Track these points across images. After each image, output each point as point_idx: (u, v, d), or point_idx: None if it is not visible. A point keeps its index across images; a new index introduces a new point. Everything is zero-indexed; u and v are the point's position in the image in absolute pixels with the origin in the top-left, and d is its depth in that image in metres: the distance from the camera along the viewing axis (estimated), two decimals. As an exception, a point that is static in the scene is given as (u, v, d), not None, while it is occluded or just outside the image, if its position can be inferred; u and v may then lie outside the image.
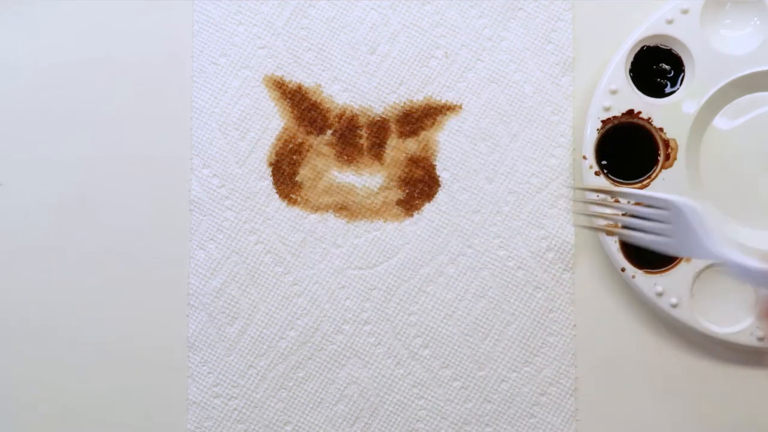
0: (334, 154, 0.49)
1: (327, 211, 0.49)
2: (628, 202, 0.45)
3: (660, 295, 0.47)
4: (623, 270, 0.48)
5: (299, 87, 0.50)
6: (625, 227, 0.43)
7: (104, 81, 0.50)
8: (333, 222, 0.49)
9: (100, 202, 0.49)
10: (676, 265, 0.47)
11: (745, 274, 0.36)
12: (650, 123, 0.48)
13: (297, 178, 0.49)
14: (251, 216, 0.49)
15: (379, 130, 0.50)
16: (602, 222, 0.46)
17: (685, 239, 0.39)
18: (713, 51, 0.48)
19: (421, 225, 0.49)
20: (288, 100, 0.50)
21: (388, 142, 0.49)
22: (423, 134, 0.50)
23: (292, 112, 0.50)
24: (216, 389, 0.49)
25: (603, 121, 0.48)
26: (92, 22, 0.50)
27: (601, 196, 0.46)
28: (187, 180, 0.49)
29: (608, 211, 0.46)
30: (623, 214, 0.44)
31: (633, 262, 0.48)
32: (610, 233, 0.46)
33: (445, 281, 0.49)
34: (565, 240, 0.49)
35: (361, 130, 0.50)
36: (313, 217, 0.49)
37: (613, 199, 0.46)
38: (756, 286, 0.35)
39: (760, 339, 0.47)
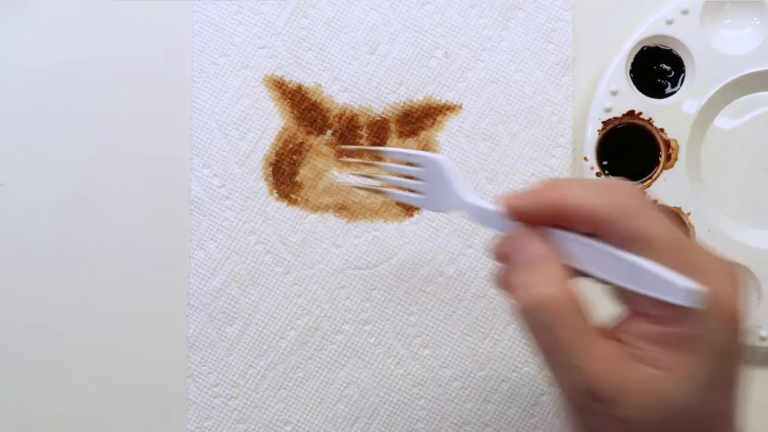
0: (334, 154, 0.49)
1: (327, 211, 0.49)
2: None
3: (661, 295, 0.47)
4: (624, 270, 0.48)
5: (299, 87, 0.50)
6: (391, 187, 0.44)
7: (104, 81, 0.50)
8: (333, 222, 0.49)
9: (100, 202, 0.49)
10: (677, 265, 0.47)
11: (484, 217, 0.38)
12: (651, 124, 0.48)
13: (297, 178, 0.49)
14: (251, 216, 0.49)
15: (379, 130, 0.49)
16: (373, 183, 0.46)
17: (439, 193, 0.41)
18: (713, 51, 0.48)
19: (421, 225, 0.49)
20: (288, 100, 0.50)
21: (388, 142, 0.49)
22: (423, 134, 0.50)
23: (292, 112, 0.50)
24: (216, 389, 0.49)
25: (604, 122, 0.48)
26: (92, 22, 0.50)
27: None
28: (187, 180, 0.49)
29: (372, 172, 0.47)
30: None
31: (634, 262, 0.48)
32: (378, 192, 0.46)
33: (445, 281, 0.49)
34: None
35: (361, 130, 0.50)
36: (313, 217, 0.49)
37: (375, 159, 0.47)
38: (492, 228, 0.38)
39: (763, 339, 0.47)
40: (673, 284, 0.31)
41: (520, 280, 0.34)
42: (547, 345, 0.33)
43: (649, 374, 0.32)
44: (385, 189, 0.44)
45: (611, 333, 0.34)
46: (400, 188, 0.43)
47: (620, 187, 0.34)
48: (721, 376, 0.33)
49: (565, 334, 0.32)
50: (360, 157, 0.48)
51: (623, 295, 0.34)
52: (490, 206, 0.38)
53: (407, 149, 0.46)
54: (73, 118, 0.50)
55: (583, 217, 0.33)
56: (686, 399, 0.32)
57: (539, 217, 0.35)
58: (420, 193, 0.42)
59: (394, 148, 0.47)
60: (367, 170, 0.47)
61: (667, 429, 0.32)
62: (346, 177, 0.49)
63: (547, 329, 0.33)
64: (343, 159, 0.49)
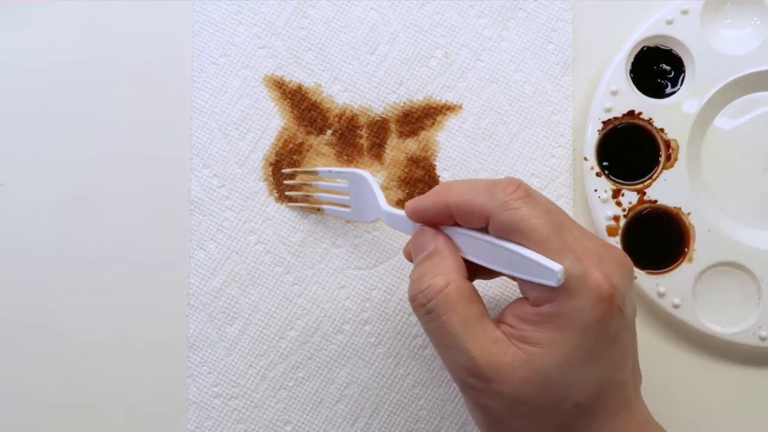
0: (334, 154, 0.49)
1: (327, 211, 0.49)
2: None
3: (662, 295, 0.47)
4: (624, 270, 0.47)
5: (299, 87, 0.50)
6: (325, 204, 0.48)
7: (104, 81, 0.50)
8: (333, 222, 0.49)
9: (100, 202, 0.49)
10: (678, 265, 0.47)
11: (397, 222, 0.42)
12: (651, 124, 0.48)
13: (297, 178, 0.49)
14: (251, 216, 0.49)
15: (379, 130, 0.49)
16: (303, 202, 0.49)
17: (364, 204, 0.45)
18: (713, 51, 0.48)
19: (422, 225, 0.49)
20: (288, 100, 0.50)
21: (388, 142, 0.49)
22: (423, 134, 0.50)
23: (292, 112, 0.50)
24: (216, 389, 0.48)
25: (604, 122, 0.48)
26: (92, 22, 0.50)
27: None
28: (187, 180, 0.49)
29: (303, 191, 0.49)
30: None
31: (635, 262, 0.47)
32: (314, 210, 0.49)
33: (445, 281, 0.49)
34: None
35: (361, 130, 0.49)
36: (313, 217, 0.49)
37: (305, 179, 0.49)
38: (405, 232, 0.42)
39: (763, 339, 0.47)
40: (541, 266, 0.34)
41: (413, 273, 0.38)
42: (435, 330, 0.37)
43: (525, 351, 0.35)
44: (321, 206, 0.48)
45: (502, 317, 0.37)
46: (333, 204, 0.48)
47: (499, 183, 0.37)
48: (595, 352, 0.35)
49: (449, 320, 0.36)
50: (297, 178, 0.49)
51: (517, 282, 0.37)
52: (400, 212, 0.41)
53: (336, 167, 0.49)
54: (73, 118, 0.50)
55: (467, 213, 0.37)
56: (558, 372, 0.35)
57: (435, 217, 0.39)
58: (348, 206, 0.47)
59: (323, 167, 0.48)
60: (305, 189, 0.49)
61: (546, 402, 0.35)
62: (288, 203, 0.49)
63: (434, 316, 0.37)
64: (285, 182, 0.49)
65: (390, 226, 0.43)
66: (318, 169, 0.48)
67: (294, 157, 0.49)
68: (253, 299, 0.49)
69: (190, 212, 0.49)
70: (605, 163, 0.48)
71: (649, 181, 0.48)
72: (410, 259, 0.41)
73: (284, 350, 0.49)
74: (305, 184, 0.49)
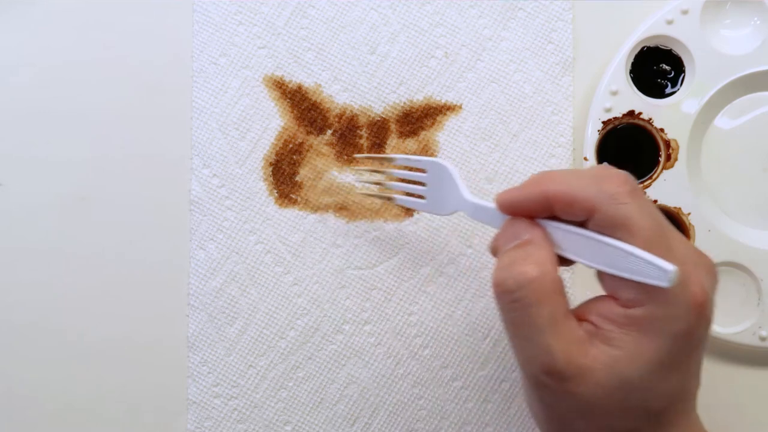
0: (334, 154, 0.49)
1: (327, 211, 0.49)
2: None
3: (661, 295, 0.47)
4: (624, 270, 0.47)
5: (299, 87, 0.50)
6: (399, 194, 0.46)
7: (104, 81, 0.50)
8: (333, 222, 0.49)
9: (100, 202, 0.49)
10: (677, 265, 0.47)
11: (483, 215, 0.40)
12: (651, 124, 0.48)
13: (297, 178, 0.49)
14: (251, 216, 0.49)
15: (379, 130, 0.49)
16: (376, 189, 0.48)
17: (442, 196, 0.43)
18: (713, 51, 0.48)
19: (421, 225, 0.49)
20: (288, 100, 0.50)
21: (388, 142, 0.49)
22: (423, 134, 0.50)
23: (292, 112, 0.50)
24: (216, 389, 0.48)
25: (604, 122, 0.48)
26: (92, 22, 0.50)
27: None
28: (187, 180, 0.49)
29: (378, 178, 0.47)
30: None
31: (634, 262, 0.47)
32: (388, 199, 0.47)
33: (445, 281, 0.49)
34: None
35: (361, 130, 0.50)
36: (313, 217, 0.49)
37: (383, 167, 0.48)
38: (491, 225, 0.39)
39: (763, 339, 0.47)
40: (653, 265, 0.32)
41: (503, 258, 0.36)
42: (516, 320, 0.34)
43: (607, 354, 0.33)
44: (392, 195, 0.46)
45: (584, 314, 0.35)
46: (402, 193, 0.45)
47: (607, 174, 0.35)
48: (678, 360, 0.34)
49: (537, 312, 0.34)
50: (369, 164, 0.48)
51: (601, 279, 0.35)
52: (488, 204, 0.39)
53: (415, 156, 0.47)
54: (73, 118, 0.50)
55: (568, 204, 0.35)
56: (639, 379, 0.33)
57: (529, 209, 0.36)
58: (423, 197, 0.44)
59: (401, 155, 0.47)
60: (375, 175, 0.47)
61: (619, 406, 0.34)
62: (358, 185, 0.49)
63: (520, 305, 0.34)
64: (354, 167, 0.49)
65: (473, 218, 0.41)
66: (395, 156, 0.46)
67: (294, 157, 0.49)
68: (253, 299, 0.49)
69: (190, 212, 0.49)
70: (605, 163, 0.48)
71: (649, 181, 0.48)
72: (494, 254, 0.38)
73: (284, 350, 0.49)
74: (378, 171, 0.47)
